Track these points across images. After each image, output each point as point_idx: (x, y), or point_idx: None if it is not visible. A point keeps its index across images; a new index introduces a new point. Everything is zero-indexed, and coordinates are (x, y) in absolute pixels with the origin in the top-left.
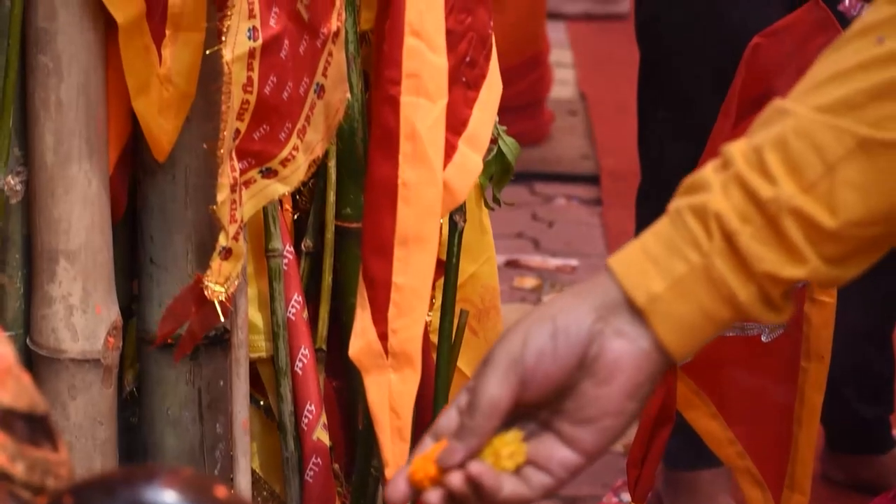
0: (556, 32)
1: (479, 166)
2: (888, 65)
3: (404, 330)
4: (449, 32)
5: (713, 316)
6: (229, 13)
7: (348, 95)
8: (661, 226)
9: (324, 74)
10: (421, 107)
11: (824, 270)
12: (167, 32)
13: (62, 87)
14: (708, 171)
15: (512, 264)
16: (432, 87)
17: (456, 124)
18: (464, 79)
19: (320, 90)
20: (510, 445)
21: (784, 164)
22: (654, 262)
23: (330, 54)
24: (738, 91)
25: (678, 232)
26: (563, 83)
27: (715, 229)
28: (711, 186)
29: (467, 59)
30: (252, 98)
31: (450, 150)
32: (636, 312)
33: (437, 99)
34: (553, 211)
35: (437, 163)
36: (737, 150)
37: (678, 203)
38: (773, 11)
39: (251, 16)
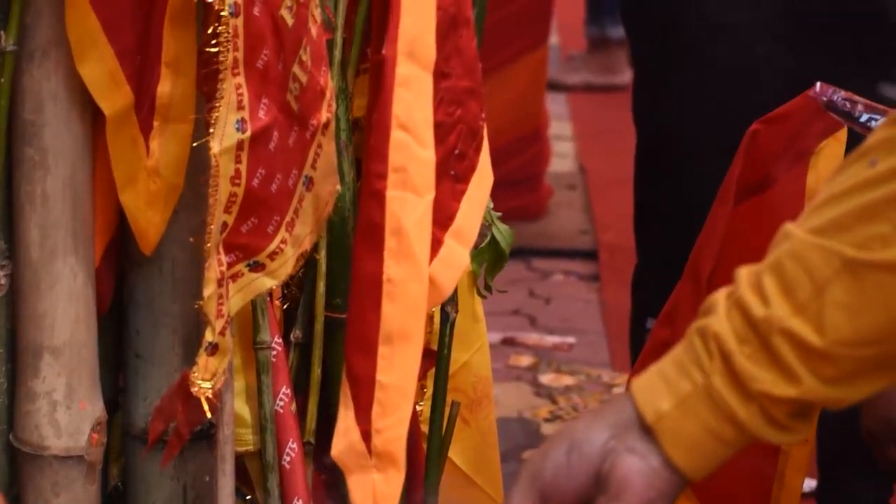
0: (556, 104)
1: (466, 261)
2: (877, 186)
3: (388, 430)
4: (437, 125)
5: (718, 435)
6: (217, 104)
7: (338, 188)
8: (678, 347)
9: (313, 167)
10: (407, 201)
11: (823, 391)
12: (155, 124)
13: (48, 179)
14: (720, 294)
15: (508, 342)
16: (419, 182)
17: (443, 218)
18: (452, 172)
19: (309, 182)
20: None
21: (778, 286)
22: (665, 381)
23: (319, 146)
24: (735, 177)
25: (686, 353)
26: (562, 156)
27: (715, 350)
28: (718, 308)
29: (456, 151)
30: (240, 191)
31: (436, 244)
32: (646, 430)
33: (424, 193)
34: (550, 287)
35: (423, 258)
36: (744, 272)
37: (693, 325)
38: (768, 98)
39: (240, 107)
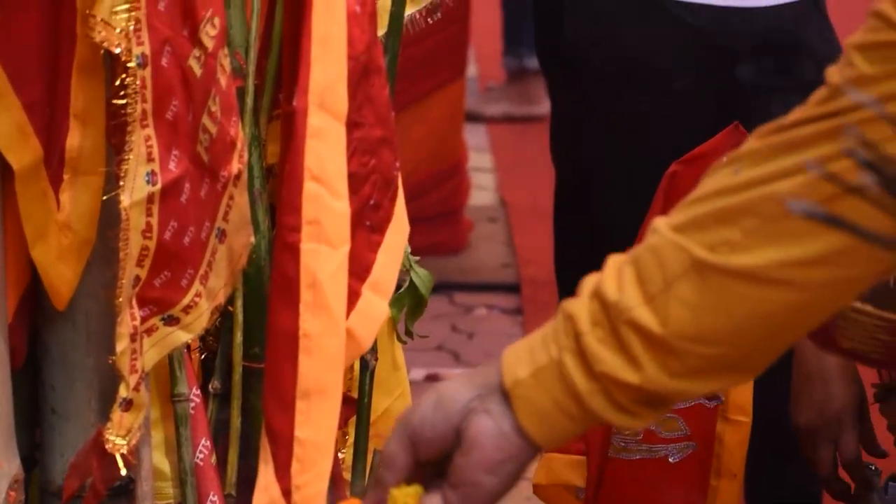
0: (475, 135)
1: (385, 312)
2: (735, 193)
3: (308, 486)
4: (351, 175)
5: (565, 409)
6: (127, 157)
7: (252, 240)
8: (548, 323)
9: (225, 219)
10: (322, 254)
11: (665, 381)
12: (65, 177)
13: None
14: (589, 279)
15: (432, 378)
16: (333, 234)
17: (359, 270)
18: (368, 223)
19: (222, 235)
20: (407, 496)
21: (634, 276)
22: (529, 351)
23: (231, 198)
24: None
25: (551, 327)
26: (482, 189)
27: (570, 329)
28: (583, 292)
29: (371, 202)
30: (152, 244)
31: (353, 296)
32: (504, 395)
33: (338, 245)
34: (473, 322)
35: (340, 312)
36: (610, 261)
37: (563, 302)
38: (695, 137)
39: (150, 159)
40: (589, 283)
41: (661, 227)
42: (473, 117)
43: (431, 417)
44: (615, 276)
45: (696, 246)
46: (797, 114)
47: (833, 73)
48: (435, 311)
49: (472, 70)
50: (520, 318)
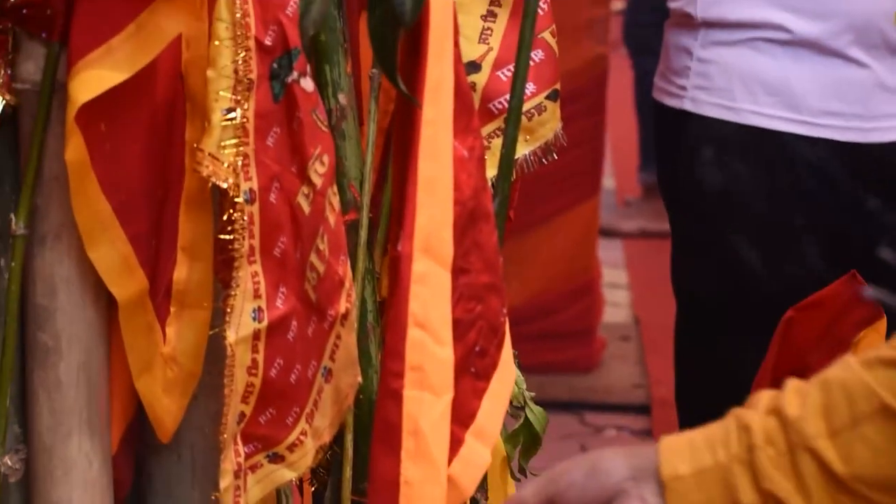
0: (610, 251)
1: (488, 460)
2: None
3: None
4: (456, 322)
5: None
6: (234, 293)
7: (359, 379)
8: (713, 424)
9: (331, 358)
10: (425, 401)
11: None
12: (172, 310)
13: (62, 365)
14: (766, 393)
15: None
16: (437, 381)
17: (463, 416)
18: (472, 369)
19: (328, 374)
20: None
21: (819, 404)
22: (691, 448)
23: (338, 337)
24: (771, 365)
25: (719, 431)
26: (616, 306)
27: (744, 439)
28: (759, 405)
29: (477, 348)
30: (257, 381)
31: (456, 443)
32: (660, 484)
33: (442, 393)
34: (603, 443)
35: (442, 460)
36: (793, 383)
37: (734, 411)
38: (810, 283)
39: (256, 296)
40: (765, 398)
41: (851, 360)
42: (609, 232)
43: (582, 483)
44: (798, 399)
45: (885, 390)
46: None
47: None
48: (565, 429)
49: (609, 183)
50: (649, 440)
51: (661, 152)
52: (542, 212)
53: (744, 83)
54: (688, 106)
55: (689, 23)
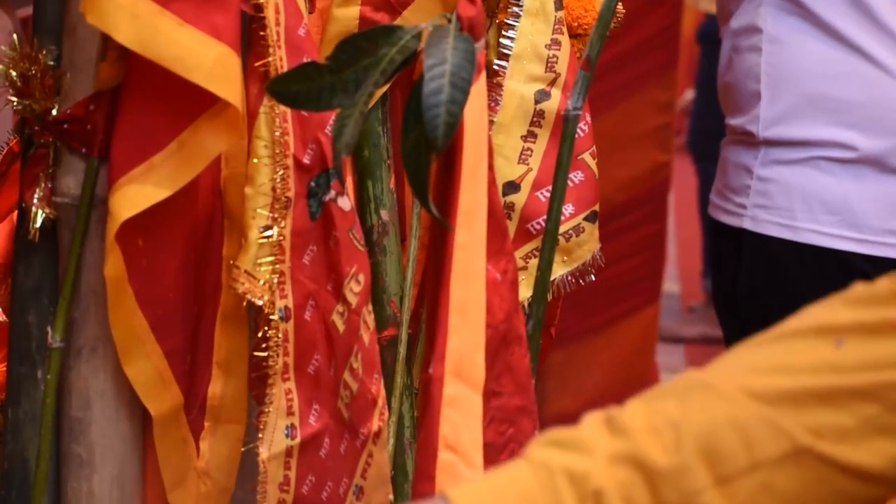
0: (671, 356)
1: None
2: (844, 372)
3: None
4: (487, 445)
5: None
6: (267, 409)
7: (390, 497)
8: (522, 474)
9: (363, 476)
10: None
11: None
12: (206, 424)
13: (95, 478)
14: (589, 429)
15: None
16: None
17: None
18: None
19: (359, 492)
20: None
21: (699, 449)
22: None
23: (370, 455)
24: None
25: (537, 488)
26: None
27: (582, 496)
28: (594, 450)
29: None
30: (289, 498)
31: None
32: None
33: None
34: None
35: None
36: (635, 415)
37: (546, 455)
38: None
39: (289, 413)
40: (594, 437)
41: (729, 389)
42: (671, 338)
43: None
44: (658, 441)
45: (798, 428)
46: None
47: None
48: None
49: (673, 288)
50: None
51: (718, 269)
52: (601, 318)
53: (804, 202)
54: (747, 224)
55: (750, 141)
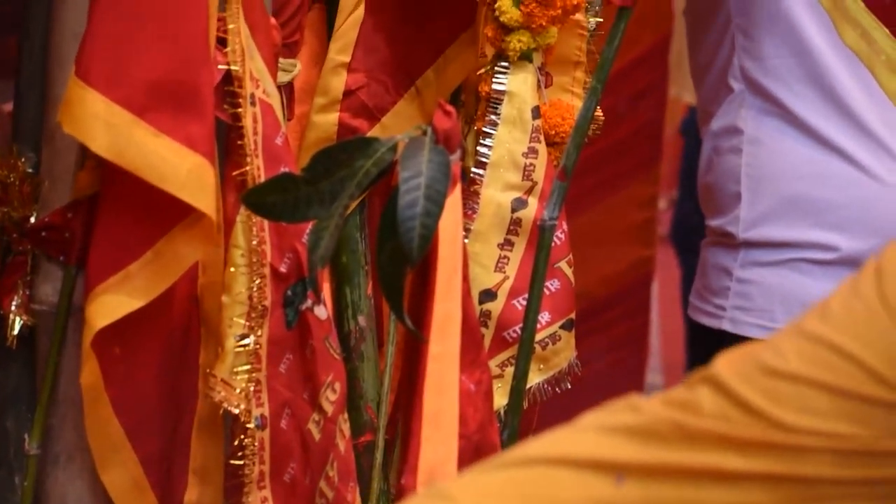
0: None
1: None
2: None
3: None
4: None
5: None
6: None
7: None
8: None
9: None
10: None
11: None
12: None
13: None
14: None
15: None
16: None
17: None
18: None
19: None
20: None
21: None
22: None
23: None
24: None
25: None
26: None
27: None
28: None
29: None
30: None
31: None
32: None
33: None
34: None
35: None
36: None
37: None
38: None
39: None
40: None
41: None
42: None
43: None
44: None
45: None
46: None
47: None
48: None
49: (657, 379)
50: None
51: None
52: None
53: (784, 304)
54: (727, 326)
55: (730, 242)
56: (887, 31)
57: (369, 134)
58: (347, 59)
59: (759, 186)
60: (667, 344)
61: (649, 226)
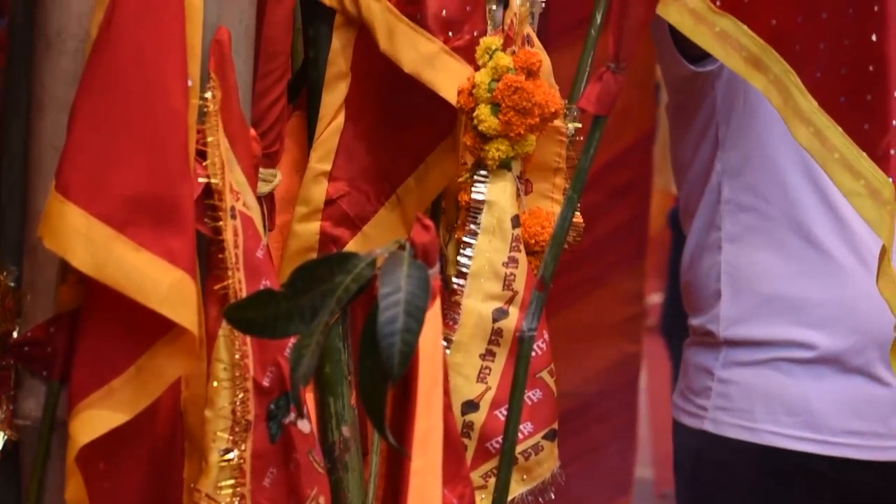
0: None
1: None
2: None
3: None
4: None
5: None
6: None
7: None
8: None
9: None
10: None
11: None
12: None
13: None
14: None
15: None
16: None
17: None
18: None
19: None
20: None
21: None
22: None
23: None
24: None
25: None
26: None
27: None
28: None
29: None
30: None
31: None
32: None
33: None
34: None
35: None
36: None
37: None
38: None
39: None
40: None
41: None
42: None
43: None
44: None
45: None
46: None
47: None
48: None
49: (646, 473)
50: None
51: (680, 471)
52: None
53: (765, 403)
54: (708, 426)
55: (711, 342)
56: (841, 129)
57: (351, 242)
58: (328, 167)
59: (738, 284)
60: (657, 436)
61: (635, 321)
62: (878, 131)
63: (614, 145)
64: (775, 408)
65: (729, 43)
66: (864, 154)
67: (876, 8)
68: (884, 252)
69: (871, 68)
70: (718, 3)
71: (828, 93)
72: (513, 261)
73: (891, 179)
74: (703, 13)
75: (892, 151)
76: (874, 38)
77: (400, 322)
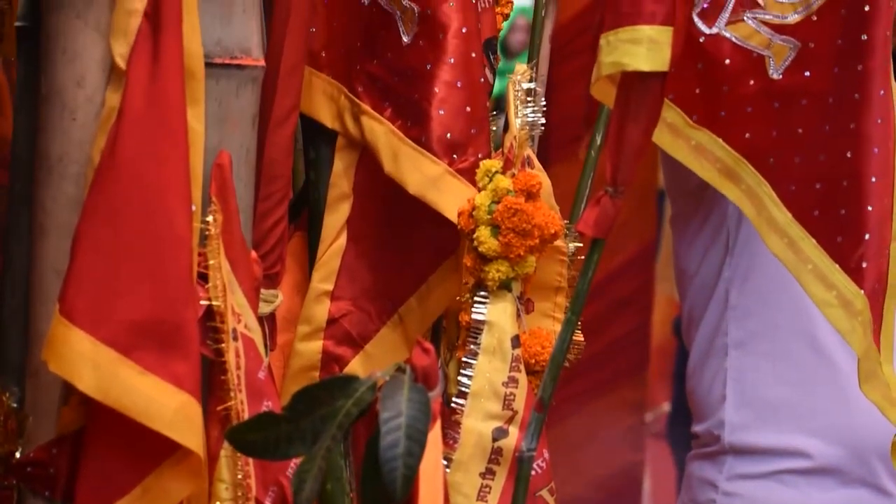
0: None
1: None
2: None
3: None
4: None
5: None
6: None
7: None
8: None
9: None
10: None
11: None
12: None
13: None
14: None
15: None
16: None
17: None
18: None
19: None
20: None
21: None
22: None
23: None
24: None
25: None
26: None
27: None
28: None
29: None
30: None
31: None
32: None
33: None
34: None
35: None
36: None
37: None
38: None
39: None
40: None
41: None
42: None
43: None
44: None
45: None
46: None
47: None
48: None
49: None
50: None
51: None
52: None
53: None
54: None
55: (715, 452)
56: (815, 241)
57: (353, 361)
58: (331, 287)
59: (744, 389)
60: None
61: (638, 430)
62: (850, 244)
63: (616, 257)
64: None
65: (704, 155)
66: (837, 266)
67: (852, 125)
68: (863, 358)
69: (844, 183)
70: (695, 117)
71: (802, 205)
72: (513, 381)
73: (862, 291)
74: (680, 127)
75: (864, 264)
76: (849, 154)
77: (401, 446)
